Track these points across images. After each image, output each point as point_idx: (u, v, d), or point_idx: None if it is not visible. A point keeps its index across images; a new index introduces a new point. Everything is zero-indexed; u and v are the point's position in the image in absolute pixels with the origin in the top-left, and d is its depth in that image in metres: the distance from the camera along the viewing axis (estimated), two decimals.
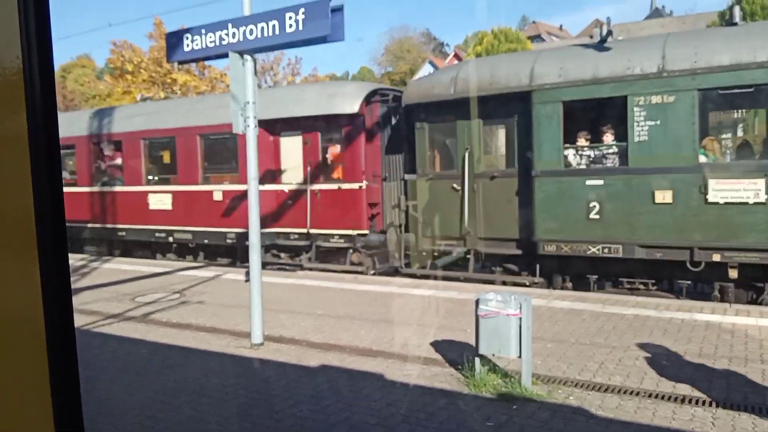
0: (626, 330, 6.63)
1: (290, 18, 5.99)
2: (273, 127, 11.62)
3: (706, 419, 4.33)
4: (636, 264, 8.46)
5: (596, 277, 8.84)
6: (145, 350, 6.51)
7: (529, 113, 8.91)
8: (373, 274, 10.93)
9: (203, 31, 6.65)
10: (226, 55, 6.50)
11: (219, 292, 9.49)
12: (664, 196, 7.97)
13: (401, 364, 5.75)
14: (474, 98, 9.36)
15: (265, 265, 11.93)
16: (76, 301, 8.71)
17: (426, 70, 61.07)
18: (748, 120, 9.95)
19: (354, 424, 4.41)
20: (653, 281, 8.56)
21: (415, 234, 10.31)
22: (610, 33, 8.99)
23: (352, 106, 10.72)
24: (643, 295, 8.35)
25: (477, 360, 5.18)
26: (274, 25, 6.10)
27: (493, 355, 5.16)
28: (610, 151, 8.50)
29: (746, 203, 7.54)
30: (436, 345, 6.28)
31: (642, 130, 8.09)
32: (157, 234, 13.23)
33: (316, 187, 11.23)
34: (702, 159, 7.97)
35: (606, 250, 8.37)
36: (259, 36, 6.23)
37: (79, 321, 7.55)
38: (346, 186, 10.93)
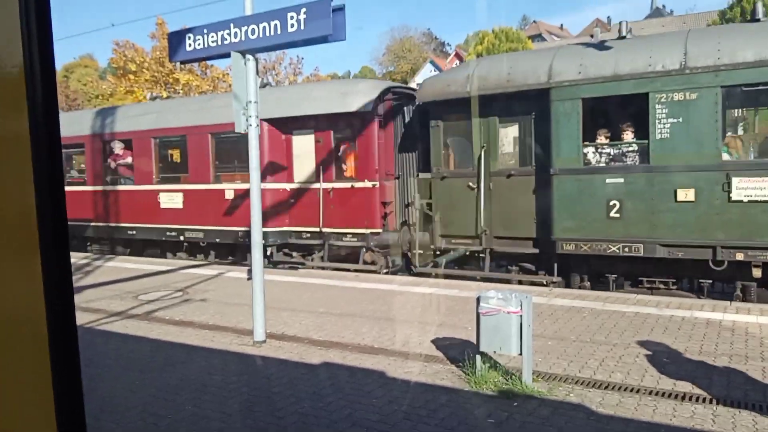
0: (627, 327, 6.65)
1: (292, 18, 6.01)
2: (285, 126, 11.58)
3: (706, 416, 4.35)
4: (657, 263, 8.37)
5: (615, 276, 8.76)
6: (147, 348, 6.54)
7: (547, 111, 8.81)
8: (386, 273, 10.87)
9: (205, 30, 6.68)
10: (228, 55, 6.53)
11: (222, 290, 9.53)
12: (686, 194, 7.88)
13: (402, 361, 5.78)
14: (491, 96, 9.30)
15: (276, 264, 11.87)
16: (79, 299, 8.75)
17: (427, 69, 61.08)
18: None
19: (356, 421, 4.44)
20: (674, 280, 8.47)
21: (430, 233, 10.24)
22: (629, 30, 8.92)
23: (366, 104, 10.64)
24: (663, 295, 8.25)
25: (478, 357, 5.21)
26: (275, 25, 6.13)
27: (494, 352, 5.19)
28: (631, 148, 8.40)
29: None
30: (437, 342, 6.30)
31: (664, 128, 7.99)
32: (168, 233, 13.16)
33: (329, 185, 11.18)
34: (725, 157, 7.85)
35: (626, 249, 8.28)
36: (261, 36, 6.25)
37: (82, 319, 7.59)
38: (359, 184, 10.88)
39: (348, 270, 11.01)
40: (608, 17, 69.04)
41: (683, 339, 6.15)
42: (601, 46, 8.86)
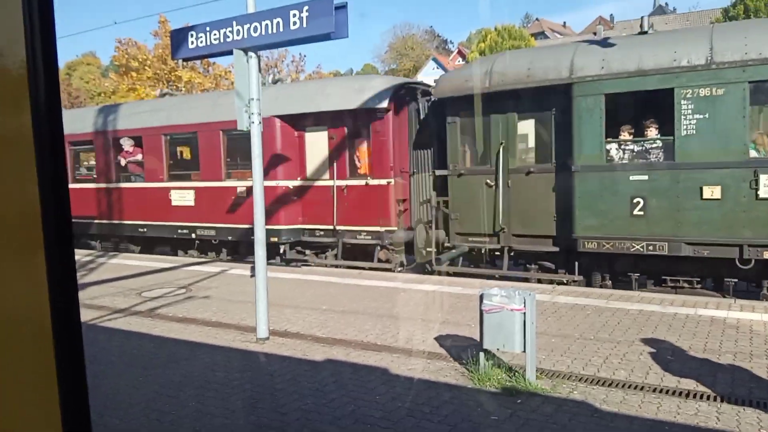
0: (630, 325, 6.63)
1: (294, 15, 6.00)
2: (298, 122, 11.49)
3: (710, 414, 4.34)
4: (681, 262, 8.23)
5: (638, 275, 8.62)
6: (151, 345, 6.55)
7: (568, 106, 8.66)
8: (400, 271, 10.76)
9: (208, 28, 6.68)
10: (230, 53, 6.53)
11: (225, 287, 9.54)
12: (712, 192, 7.73)
13: (406, 358, 5.77)
14: (510, 91, 9.15)
15: (289, 262, 11.76)
16: (83, 296, 8.77)
17: (429, 67, 61.03)
18: None
19: (359, 418, 4.43)
20: (698, 279, 8.32)
21: (446, 230, 10.12)
22: (651, 25, 8.81)
23: (381, 101, 10.53)
24: (687, 294, 8.12)
25: (481, 354, 5.20)
26: (278, 23, 6.12)
27: (498, 349, 5.18)
28: (655, 145, 8.24)
29: None
30: (441, 340, 6.30)
31: (689, 124, 7.85)
32: (179, 230, 13.05)
33: (343, 182, 11.08)
34: (752, 154, 7.73)
35: (650, 248, 8.13)
36: (263, 33, 6.25)
37: (85, 316, 7.60)
38: (374, 182, 10.77)
39: (362, 268, 10.89)
40: (611, 15, 68.89)
41: (687, 336, 6.14)
42: (624, 40, 8.67)
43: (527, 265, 9.73)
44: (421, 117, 10.89)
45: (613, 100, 8.41)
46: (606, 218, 8.41)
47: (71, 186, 14.48)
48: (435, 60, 63.97)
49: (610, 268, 8.92)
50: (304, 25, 5.97)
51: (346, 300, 8.37)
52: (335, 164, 11.11)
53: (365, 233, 10.97)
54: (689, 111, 7.85)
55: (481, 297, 5.07)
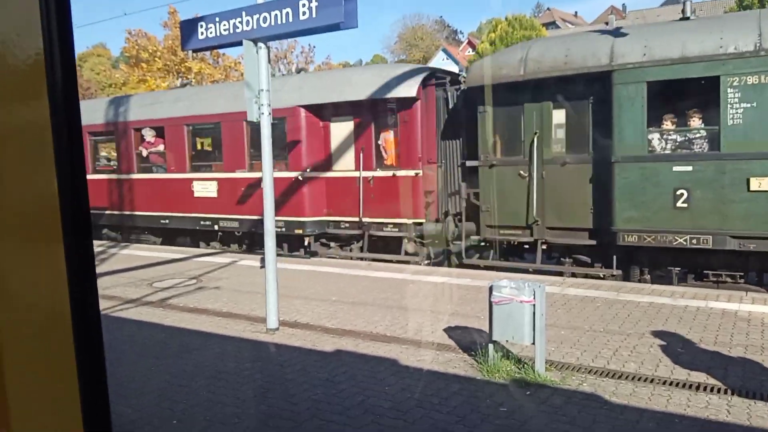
0: (641, 317, 6.61)
1: (303, 5, 5.99)
2: (323, 112, 11.31)
3: (721, 407, 4.32)
4: (724, 256, 8.03)
5: (678, 269, 8.42)
6: (162, 334, 6.61)
7: (608, 95, 8.40)
8: (427, 264, 10.62)
9: (217, 19, 6.68)
10: (240, 43, 6.52)
11: (235, 278, 9.59)
12: (760, 183, 7.48)
13: (415, 349, 5.79)
14: (545, 79, 8.90)
15: (313, 255, 11.66)
16: None
17: (439, 57, 60.73)
18: None
19: (368, 408, 4.46)
20: (741, 274, 8.09)
21: (476, 223, 9.89)
22: (694, 11, 8.62)
23: (409, 90, 10.30)
24: (730, 289, 7.94)
25: (490, 346, 5.21)
26: (287, 13, 6.11)
27: (507, 341, 5.18)
28: (699, 135, 8.04)
29: None
30: (450, 331, 6.31)
31: (736, 113, 7.57)
32: (202, 222, 12.86)
33: (369, 174, 10.86)
34: None
35: (694, 241, 7.86)
36: (273, 24, 6.24)
37: None
38: (401, 173, 10.55)
39: (389, 261, 10.74)
40: (623, 4, 68.10)
41: (698, 329, 6.11)
42: (666, 26, 8.43)
43: (561, 259, 9.50)
44: (450, 106, 10.61)
45: (655, 89, 8.12)
46: (648, 210, 8.14)
47: (91, 177, 14.46)
48: (445, 50, 63.65)
49: (649, 262, 8.67)
50: (314, 15, 5.96)
51: (355, 291, 8.39)
52: (361, 155, 10.88)
53: (392, 225, 10.76)
54: (736, 99, 7.58)
55: (491, 289, 5.07)
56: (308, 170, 11.35)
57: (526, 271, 9.47)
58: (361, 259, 11.15)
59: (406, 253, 10.79)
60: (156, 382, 5.18)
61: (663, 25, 8.66)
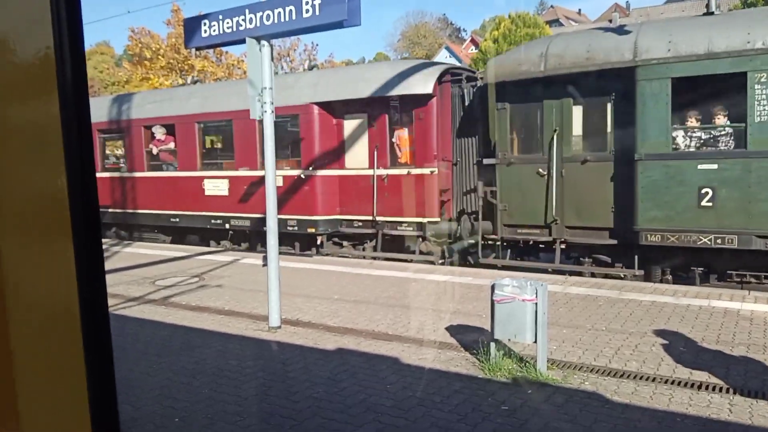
0: (643, 316, 6.60)
1: (307, 3, 5.98)
2: (336, 109, 11.18)
3: (723, 406, 4.32)
4: (749, 256, 7.88)
5: (702, 269, 8.29)
6: (164, 332, 6.63)
7: (630, 91, 8.24)
8: (442, 264, 10.49)
9: (221, 16, 6.68)
10: (243, 41, 6.53)
11: (237, 276, 9.60)
12: None
13: (417, 348, 5.79)
14: (566, 75, 8.75)
15: (326, 255, 11.49)
16: None
17: (442, 55, 60.63)
18: None
19: (370, 406, 4.46)
20: (766, 274, 7.94)
21: (493, 222, 9.75)
22: (719, 5, 8.46)
23: (425, 86, 10.16)
24: (755, 289, 7.83)
25: (492, 345, 5.21)
26: (290, 10, 6.11)
27: (509, 340, 5.18)
28: (725, 132, 7.88)
29: None
30: (452, 330, 6.31)
31: (764, 110, 7.46)
32: (213, 221, 12.68)
33: (383, 172, 10.71)
34: None
35: (719, 241, 7.71)
36: (276, 21, 6.23)
37: None
38: (416, 171, 10.41)
39: (405, 261, 10.62)
40: (627, 2, 67.88)
41: (700, 328, 6.10)
42: (691, 21, 8.31)
43: (580, 259, 9.34)
44: (466, 103, 10.44)
45: (680, 85, 7.96)
46: (671, 209, 7.99)
47: (101, 175, 14.35)
48: (448, 48, 63.54)
49: (672, 262, 8.53)
50: (317, 12, 5.95)
51: (357, 289, 8.40)
52: (375, 152, 10.72)
53: (406, 224, 10.62)
54: (763, 96, 7.46)
55: (493, 287, 5.06)
56: (321, 168, 11.22)
57: (545, 271, 9.30)
58: (375, 258, 11.01)
59: (421, 253, 10.66)
60: (158, 380, 5.19)
61: (688, 20, 8.49)
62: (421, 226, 10.49)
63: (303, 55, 34.56)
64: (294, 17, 6.10)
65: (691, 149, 8.09)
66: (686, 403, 4.39)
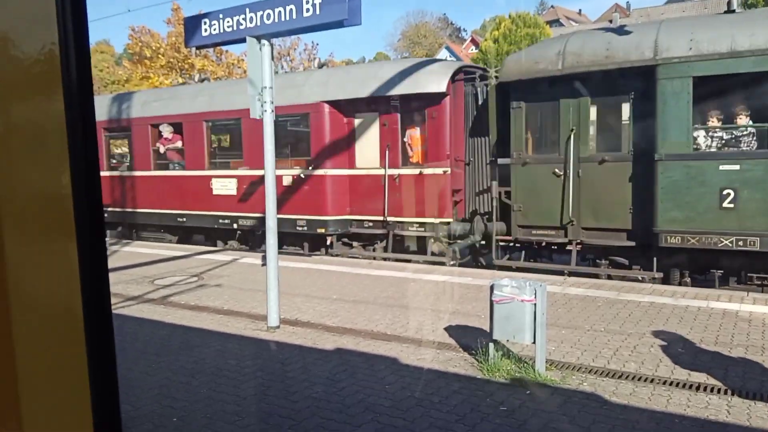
0: (641, 317, 6.60)
1: (307, 2, 5.98)
2: (347, 108, 11.08)
3: (721, 407, 4.32)
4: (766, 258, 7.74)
5: (721, 272, 8.16)
6: (163, 332, 6.63)
7: (650, 90, 8.13)
8: (453, 265, 10.36)
9: (221, 15, 6.68)
10: (243, 40, 6.52)
11: (236, 276, 9.60)
12: None
13: (415, 348, 5.79)
14: (584, 73, 8.64)
15: (335, 256, 11.39)
16: None
17: (442, 55, 60.63)
18: None
19: (368, 406, 4.46)
20: None
21: (507, 223, 9.63)
22: (740, 3, 8.52)
23: (439, 85, 10.07)
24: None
25: (491, 345, 5.21)
26: (291, 10, 6.11)
27: (507, 340, 5.18)
28: (747, 132, 7.78)
29: None
30: (450, 330, 6.31)
31: None
32: (221, 220, 12.54)
33: (395, 171, 10.60)
34: None
35: (740, 243, 7.60)
36: (276, 20, 6.23)
37: None
38: (429, 171, 10.30)
39: (417, 262, 10.51)
40: (627, 2, 67.86)
41: (699, 329, 6.10)
42: (713, 19, 8.24)
43: (596, 261, 9.21)
44: (479, 102, 10.30)
45: (701, 84, 7.85)
46: (692, 211, 7.86)
47: (107, 174, 14.27)
48: (448, 48, 63.52)
49: (691, 264, 8.41)
50: (317, 12, 5.95)
51: (357, 289, 8.40)
52: (387, 152, 10.59)
53: (417, 225, 10.52)
54: None
55: (492, 287, 5.07)
56: (331, 167, 11.11)
57: (560, 273, 9.18)
58: (385, 259, 10.91)
59: (432, 254, 10.54)
60: (156, 379, 5.19)
61: (709, 18, 8.40)
62: (433, 227, 10.39)
63: (303, 54, 34.56)
64: (294, 16, 6.10)
65: (713, 149, 7.98)
66: (684, 404, 4.39)
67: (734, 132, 7.92)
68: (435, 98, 10.20)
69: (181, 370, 5.38)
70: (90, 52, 1.01)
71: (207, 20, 6.83)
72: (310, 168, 11.29)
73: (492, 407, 4.41)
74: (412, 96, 10.35)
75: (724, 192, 7.68)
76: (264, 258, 7.31)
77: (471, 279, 8.80)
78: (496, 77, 9.92)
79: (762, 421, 4.08)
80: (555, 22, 61.32)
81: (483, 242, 10.18)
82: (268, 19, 6.29)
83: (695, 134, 8.01)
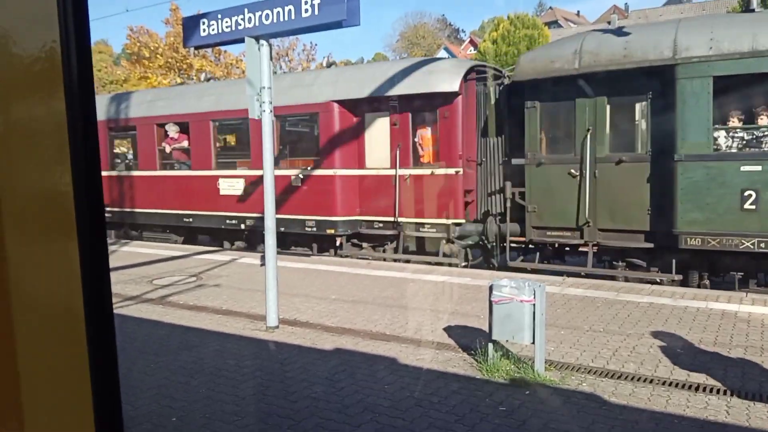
0: (641, 318, 6.61)
1: (306, 2, 5.98)
2: (357, 107, 10.96)
3: (720, 407, 4.32)
4: None
5: (741, 274, 8.06)
6: (162, 332, 6.62)
7: (669, 90, 8.03)
8: (465, 266, 10.27)
9: (219, 16, 6.67)
10: (242, 41, 6.52)
11: (235, 276, 9.59)
12: None
13: (414, 348, 5.79)
14: (601, 73, 8.50)
15: (345, 257, 11.29)
16: None
17: (441, 56, 60.68)
18: None
19: (367, 407, 4.46)
20: None
21: (521, 224, 9.53)
22: (760, 2, 8.46)
23: (451, 84, 9.93)
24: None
25: (490, 345, 5.21)
26: (289, 10, 6.10)
27: (507, 341, 5.18)
28: None
29: None
30: (450, 330, 6.31)
31: None
32: (227, 221, 12.39)
33: (406, 172, 10.46)
34: None
35: (762, 245, 7.48)
36: (275, 21, 6.23)
37: None
38: (440, 171, 10.17)
39: (427, 263, 10.45)
40: (625, 4, 67.99)
41: (698, 330, 6.11)
42: (733, 18, 8.10)
43: (613, 263, 9.07)
44: (491, 102, 10.16)
45: (722, 84, 7.75)
46: (713, 212, 7.75)
47: (111, 174, 14.16)
48: (446, 49, 63.58)
49: (710, 267, 8.32)
50: (316, 12, 5.95)
51: (356, 290, 8.39)
52: (398, 152, 10.45)
53: (429, 226, 10.37)
54: None
55: (491, 288, 5.06)
56: (341, 167, 11.00)
57: (577, 275, 9.06)
58: (396, 260, 10.82)
59: (444, 255, 10.43)
60: (155, 379, 5.18)
61: (730, 17, 8.30)
62: (444, 228, 10.29)
63: (302, 55, 34.54)
64: (293, 17, 6.09)
65: (734, 150, 7.88)
66: (684, 404, 4.39)
67: (755, 132, 7.81)
68: (447, 98, 10.07)
69: (179, 370, 5.37)
70: (91, 52, 1.01)
71: (206, 20, 6.83)
72: (319, 168, 11.18)
73: (491, 407, 4.40)
74: (423, 95, 10.22)
75: (746, 193, 7.58)
76: (263, 258, 7.30)
77: (470, 279, 8.80)
78: (509, 76, 9.83)
79: (761, 421, 4.09)
80: (553, 24, 61.41)
81: (493, 243, 10.08)
82: (266, 20, 6.29)
83: (715, 134, 7.88)
